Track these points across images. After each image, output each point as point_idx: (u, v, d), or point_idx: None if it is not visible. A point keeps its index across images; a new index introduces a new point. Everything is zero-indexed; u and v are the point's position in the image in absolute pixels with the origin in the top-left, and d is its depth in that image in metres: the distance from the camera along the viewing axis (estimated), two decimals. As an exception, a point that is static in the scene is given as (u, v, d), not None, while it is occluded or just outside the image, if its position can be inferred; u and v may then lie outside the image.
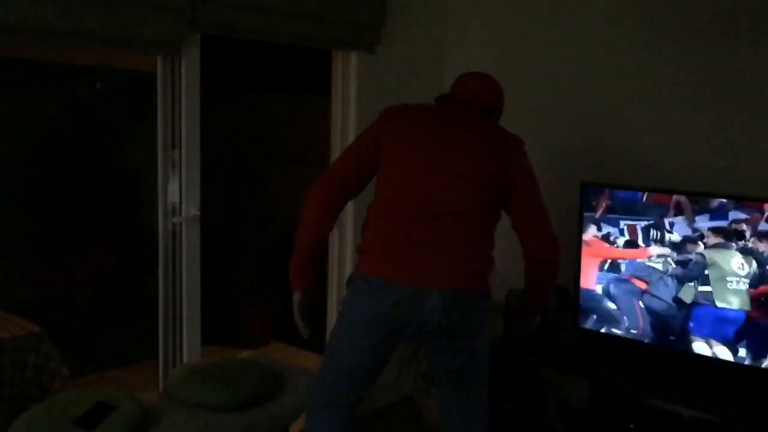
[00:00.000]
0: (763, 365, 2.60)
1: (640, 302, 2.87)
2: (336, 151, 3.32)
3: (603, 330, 2.98)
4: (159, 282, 2.74)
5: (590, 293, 3.00)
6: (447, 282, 2.09)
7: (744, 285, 2.61)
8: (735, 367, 2.67)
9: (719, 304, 2.68)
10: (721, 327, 2.68)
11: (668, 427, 2.97)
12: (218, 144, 4.97)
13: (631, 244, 2.88)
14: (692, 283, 2.74)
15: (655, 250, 2.82)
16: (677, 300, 2.78)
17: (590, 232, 2.97)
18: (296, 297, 2.27)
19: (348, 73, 3.27)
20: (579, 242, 3.01)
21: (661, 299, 2.81)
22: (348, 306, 2.21)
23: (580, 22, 3.23)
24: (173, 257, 2.75)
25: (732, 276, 2.64)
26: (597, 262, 2.97)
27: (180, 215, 2.74)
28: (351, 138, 3.26)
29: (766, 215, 2.56)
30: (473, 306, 2.15)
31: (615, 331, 2.95)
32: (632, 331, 2.89)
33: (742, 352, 2.64)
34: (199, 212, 2.76)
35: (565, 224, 3.10)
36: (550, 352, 3.04)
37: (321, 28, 3.00)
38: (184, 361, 2.79)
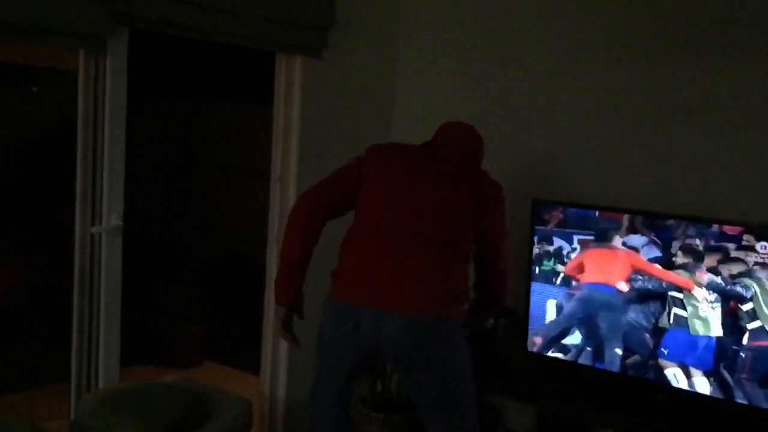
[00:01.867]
0: (720, 396, 2.49)
1: (592, 317, 2.75)
2: (278, 162, 3.13)
3: (552, 354, 2.84)
4: (74, 297, 2.48)
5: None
6: (409, 306, 2.10)
7: (709, 310, 2.50)
8: (692, 395, 2.55)
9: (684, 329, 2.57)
10: (682, 352, 2.57)
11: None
12: (157, 152, 4.76)
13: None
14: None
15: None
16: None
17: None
18: (281, 312, 2.29)
19: (292, 80, 3.08)
20: (530, 263, 2.87)
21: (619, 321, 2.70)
22: (320, 329, 2.27)
23: (533, 42, 3.14)
24: (91, 270, 2.50)
25: (693, 300, 2.54)
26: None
27: (100, 225, 2.49)
28: (294, 149, 3.10)
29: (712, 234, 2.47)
30: (438, 333, 2.14)
31: (562, 356, 2.81)
32: (587, 348, 2.76)
33: (700, 380, 2.53)
34: (121, 222, 2.52)
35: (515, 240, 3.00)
36: (497, 377, 2.89)
37: (263, 28, 2.81)
38: (100, 385, 2.53)
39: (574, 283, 2.78)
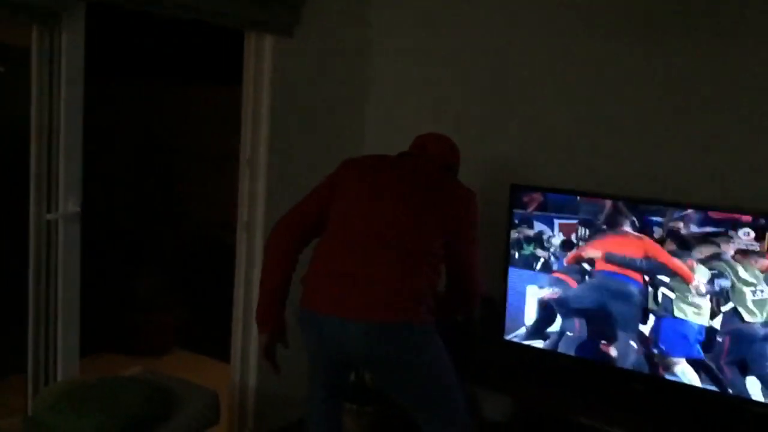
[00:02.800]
0: (698, 384, 2.44)
1: (572, 303, 2.68)
2: (247, 145, 3.01)
3: (529, 343, 2.78)
4: (29, 286, 2.36)
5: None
6: (369, 314, 2.07)
7: (697, 297, 2.45)
8: (669, 384, 2.50)
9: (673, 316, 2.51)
10: (670, 340, 2.52)
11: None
12: (123, 136, 4.61)
13: (567, 244, 2.69)
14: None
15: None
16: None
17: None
18: (262, 339, 2.30)
19: (261, 60, 2.96)
20: (507, 251, 2.80)
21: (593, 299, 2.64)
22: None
23: (511, 24, 3.05)
24: (47, 258, 2.38)
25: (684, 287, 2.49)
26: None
27: (56, 211, 2.36)
28: (264, 131, 2.99)
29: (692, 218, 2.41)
30: (401, 340, 2.10)
31: (540, 344, 2.75)
32: (568, 333, 2.69)
33: (685, 368, 2.48)
34: (79, 209, 2.40)
35: (494, 225, 2.94)
36: (473, 366, 2.82)
37: (231, 4, 2.68)
38: (59, 378, 2.42)
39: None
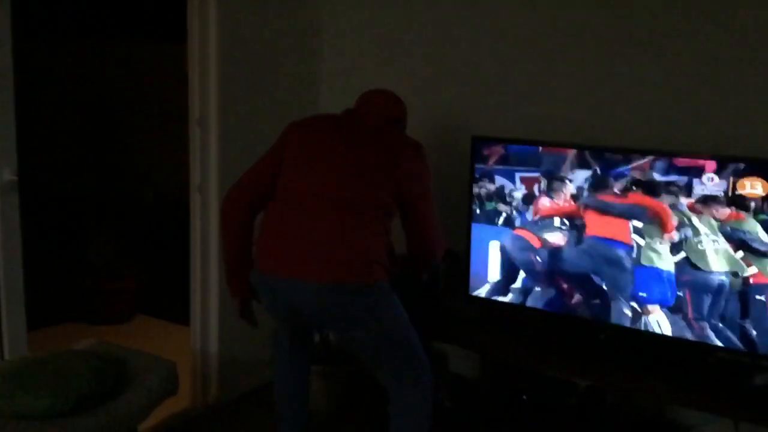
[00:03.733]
0: (660, 331, 2.42)
1: (537, 257, 2.63)
2: (195, 105, 2.87)
3: (495, 297, 2.73)
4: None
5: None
6: (320, 273, 2.06)
7: (658, 243, 2.40)
8: (634, 332, 2.48)
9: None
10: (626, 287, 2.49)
11: (563, 396, 2.80)
12: (74, 98, 4.41)
13: (529, 197, 2.63)
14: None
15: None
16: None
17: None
18: (235, 303, 2.38)
19: (206, 13, 2.80)
20: (470, 204, 2.73)
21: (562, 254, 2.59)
22: None
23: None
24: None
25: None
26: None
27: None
28: (213, 90, 2.85)
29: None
30: (354, 298, 2.09)
31: (506, 299, 2.71)
32: (536, 289, 2.65)
33: (657, 316, 2.45)
34: (16, 177, 2.27)
35: (456, 180, 2.87)
36: (438, 323, 2.78)
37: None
38: (6, 356, 2.32)
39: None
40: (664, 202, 2.38)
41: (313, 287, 2.06)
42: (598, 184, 2.49)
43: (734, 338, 2.30)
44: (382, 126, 2.32)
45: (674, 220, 2.36)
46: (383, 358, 2.22)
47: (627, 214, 2.45)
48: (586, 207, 2.52)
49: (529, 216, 2.63)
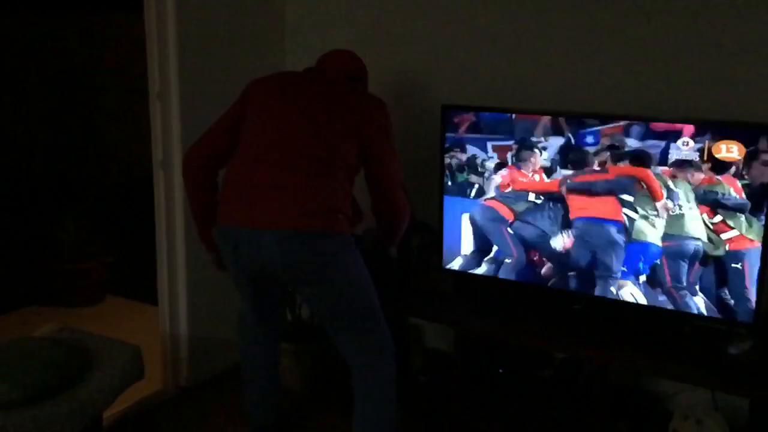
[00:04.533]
0: (632, 299, 2.38)
1: (509, 229, 2.57)
2: (155, 78, 2.76)
3: (470, 270, 2.67)
4: None
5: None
6: (283, 222, 2.03)
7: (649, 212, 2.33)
8: (609, 302, 2.43)
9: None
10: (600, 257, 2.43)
11: (539, 369, 2.76)
12: (37, 75, 4.26)
13: (501, 166, 2.56)
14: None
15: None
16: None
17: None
18: (210, 257, 2.40)
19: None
20: (441, 175, 2.66)
21: (537, 227, 2.52)
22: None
23: None
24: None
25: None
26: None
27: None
28: (173, 62, 2.74)
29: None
30: (318, 247, 2.05)
31: (480, 271, 2.65)
32: (506, 261, 2.59)
33: (619, 287, 2.41)
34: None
35: (428, 151, 2.79)
36: (412, 299, 2.72)
37: None
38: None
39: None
40: (647, 168, 2.31)
41: (275, 235, 2.02)
42: (575, 158, 2.41)
43: (711, 306, 2.26)
44: (344, 81, 2.30)
45: (662, 187, 2.30)
46: (347, 322, 2.18)
47: (613, 189, 2.37)
48: (570, 191, 2.44)
49: (502, 187, 2.56)
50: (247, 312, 2.38)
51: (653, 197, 2.31)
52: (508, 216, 2.56)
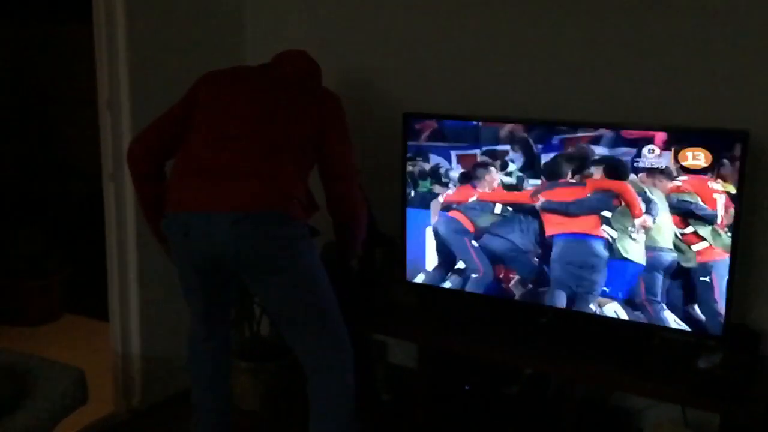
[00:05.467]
0: (599, 312, 2.30)
1: (473, 242, 2.48)
2: (104, 87, 2.65)
3: (436, 284, 2.58)
4: None
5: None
6: (235, 203, 1.96)
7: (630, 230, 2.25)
8: (575, 314, 2.35)
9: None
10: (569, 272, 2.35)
11: (507, 384, 2.67)
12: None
13: (466, 177, 2.47)
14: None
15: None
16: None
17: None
18: (162, 248, 2.32)
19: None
20: (404, 185, 2.57)
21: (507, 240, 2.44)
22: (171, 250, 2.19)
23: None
24: None
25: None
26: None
27: None
28: (123, 71, 2.64)
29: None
30: (271, 229, 1.97)
31: (445, 285, 2.56)
32: (473, 275, 2.50)
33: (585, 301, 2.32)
34: None
35: (388, 164, 2.70)
36: (375, 314, 2.62)
37: None
38: None
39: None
40: (625, 181, 2.22)
41: (228, 216, 1.94)
42: (546, 168, 2.32)
43: (681, 318, 2.19)
44: (299, 76, 2.25)
45: (641, 202, 2.21)
46: (302, 318, 2.08)
47: (591, 207, 2.27)
48: (544, 210, 2.35)
49: (465, 198, 2.47)
50: (196, 324, 2.26)
51: (632, 213, 2.23)
52: (471, 228, 2.48)
